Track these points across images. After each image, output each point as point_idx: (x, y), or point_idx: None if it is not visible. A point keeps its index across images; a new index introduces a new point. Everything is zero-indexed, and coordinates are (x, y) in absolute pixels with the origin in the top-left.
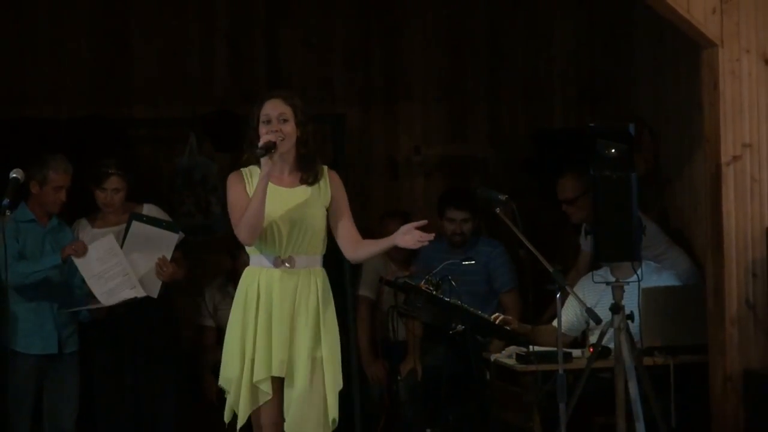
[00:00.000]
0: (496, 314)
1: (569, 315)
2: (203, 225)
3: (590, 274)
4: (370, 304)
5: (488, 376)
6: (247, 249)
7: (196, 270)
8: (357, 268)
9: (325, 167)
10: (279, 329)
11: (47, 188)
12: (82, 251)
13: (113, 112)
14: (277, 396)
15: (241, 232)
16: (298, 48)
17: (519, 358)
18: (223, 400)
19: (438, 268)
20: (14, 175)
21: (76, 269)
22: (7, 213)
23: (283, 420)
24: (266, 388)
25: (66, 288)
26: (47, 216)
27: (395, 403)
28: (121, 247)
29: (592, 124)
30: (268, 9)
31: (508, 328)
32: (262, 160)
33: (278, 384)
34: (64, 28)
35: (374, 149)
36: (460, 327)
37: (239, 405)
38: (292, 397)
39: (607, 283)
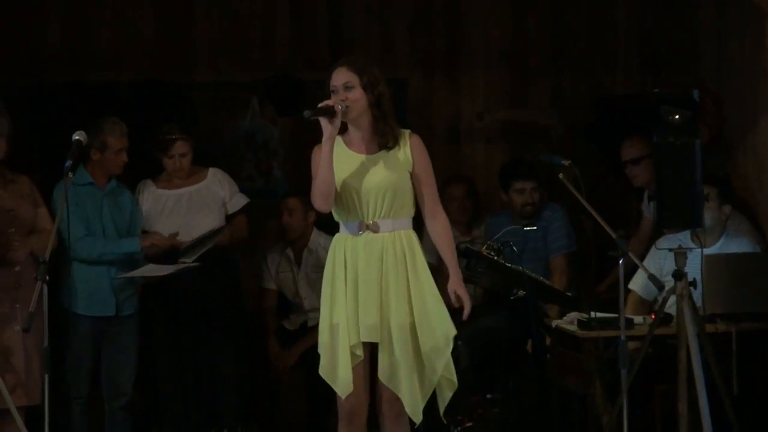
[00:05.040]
0: None
1: (644, 279)
2: (264, 189)
3: (657, 240)
4: (432, 270)
5: (549, 342)
6: (335, 217)
7: (258, 233)
8: (418, 233)
9: (408, 131)
10: (366, 294)
11: (108, 153)
12: (166, 244)
13: (175, 76)
14: (363, 363)
15: (315, 200)
16: (360, 13)
17: (580, 324)
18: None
19: (499, 234)
20: (77, 138)
21: (134, 229)
22: (70, 175)
23: (367, 389)
24: (359, 352)
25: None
26: (107, 178)
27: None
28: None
29: (656, 91)
30: None
31: (569, 294)
32: (322, 124)
33: (367, 350)
34: None
35: (436, 115)
36: (521, 293)
37: (338, 372)
38: (392, 363)
39: (670, 250)
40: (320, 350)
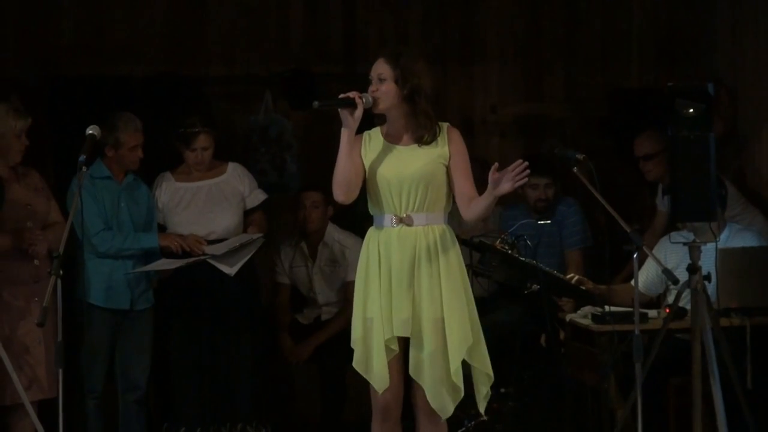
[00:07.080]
0: (571, 275)
1: (650, 274)
2: (278, 183)
3: (670, 234)
4: None
5: (563, 336)
6: (370, 210)
7: (271, 227)
8: None
9: (446, 125)
10: (399, 288)
11: (122, 150)
12: (179, 250)
13: (189, 69)
14: (397, 357)
15: (334, 191)
16: (375, 6)
17: (594, 318)
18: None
19: (513, 227)
20: (91, 132)
21: (150, 223)
22: (84, 169)
23: (401, 384)
24: (394, 346)
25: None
26: (123, 172)
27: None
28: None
29: (670, 84)
30: None
31: (583, 288)
32: (341, 115)
33: (402, 344)
34: None
35: (450, 108)
36: (535, 287)
37: (372, 366)
38: (420, 358)
39: (684, 244)
40: (353, 345)
